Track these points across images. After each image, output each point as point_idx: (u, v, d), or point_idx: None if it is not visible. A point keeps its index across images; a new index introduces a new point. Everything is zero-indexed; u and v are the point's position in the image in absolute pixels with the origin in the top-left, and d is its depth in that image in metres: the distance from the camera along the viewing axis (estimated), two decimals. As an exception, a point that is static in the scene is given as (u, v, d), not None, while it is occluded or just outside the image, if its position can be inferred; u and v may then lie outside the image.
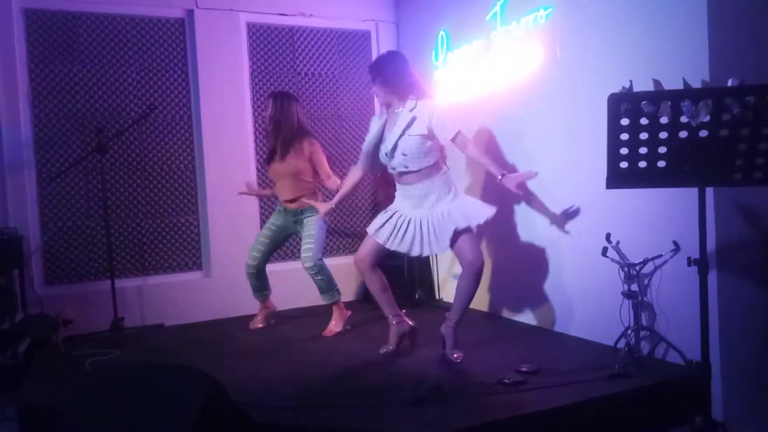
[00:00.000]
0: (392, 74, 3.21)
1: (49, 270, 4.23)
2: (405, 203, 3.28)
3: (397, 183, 3.32)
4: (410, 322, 3.40)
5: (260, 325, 4.15)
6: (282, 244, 4.22)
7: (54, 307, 4.03)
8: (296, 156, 3.87)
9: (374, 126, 3.35)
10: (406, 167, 3.19)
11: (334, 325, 3.91)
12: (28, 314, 3.87)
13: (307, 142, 3.89)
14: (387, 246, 3.26)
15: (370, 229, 3.33)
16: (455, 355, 3.16)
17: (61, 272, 4.25)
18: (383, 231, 3.27)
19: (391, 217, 3.29)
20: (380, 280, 3.35)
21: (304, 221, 3.92)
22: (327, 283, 3.89)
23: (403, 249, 3.23)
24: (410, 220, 3.23)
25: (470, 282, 3.15)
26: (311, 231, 3.86)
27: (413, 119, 3.15)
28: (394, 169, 3.25)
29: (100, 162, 3.99)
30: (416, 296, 4.64)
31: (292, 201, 3.94)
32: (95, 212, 4.29)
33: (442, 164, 3.25)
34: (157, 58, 4.47)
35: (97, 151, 3.92)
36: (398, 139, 3.16)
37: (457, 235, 3.12)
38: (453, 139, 3.16)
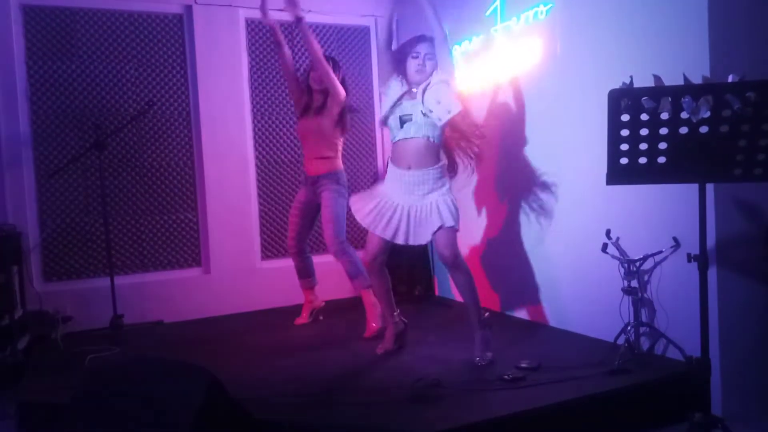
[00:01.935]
0: (446, 56, 3.16)
1: (48, 267, 4.22)
2: (394, 187, 3.15)
3: (391, 163, 3.19)
4: (404, 321, 3.41)
5: (305, 321, 4.07)
6: (317, 218, 4.05)
7: (53, 304, 4.03)
8: (319, 114, 3.83)
9: (396, 90, 3.16)
10: (426, 135, 3.07)
11: (374, 323, 3.66)
12: (27, 311, 3.87)
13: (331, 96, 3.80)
14: (375, 231, 3.14)
15: (354, 208, 3.22)
16: (486, 355, 3.07)
17: (60, 269, 4.24)
18: (368, 212, 3.17)
19: (375, 198, 3.19)
20: (388, 281, 3.35)
21: (322, 195, 3.84)
22: (353, 267, 3.76)
23: (387, 235, 3.12)
24: (397, 206, 3.12)
25: (459, 276, 3.13)
26: (328, 214, 3.79)
27: (443, 86, 3.08)
28: (415, 133, 3.08)
29: (99, 159, 3.98)
30: (416, 292, 4.64)
31: (311, 164, 3.88)
32: (94, 209, 4.28)
33: (442, 156, 3.19)
34: (156, 54, 4.46)
35: (96, 148, 3.91)
36: (424, 102, 3.06)
37: (438, 229, 3.07)
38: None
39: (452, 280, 3.23)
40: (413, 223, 3.10)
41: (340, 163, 3.93)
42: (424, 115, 3.07)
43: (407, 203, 3.11)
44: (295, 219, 4.02)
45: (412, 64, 3.13)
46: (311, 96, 3.93)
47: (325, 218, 3.83)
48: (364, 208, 3.20)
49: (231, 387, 2.24)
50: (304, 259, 4.07)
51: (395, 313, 3.38)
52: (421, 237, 3.12)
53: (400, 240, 3.13)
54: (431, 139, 3.09)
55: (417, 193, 3.10)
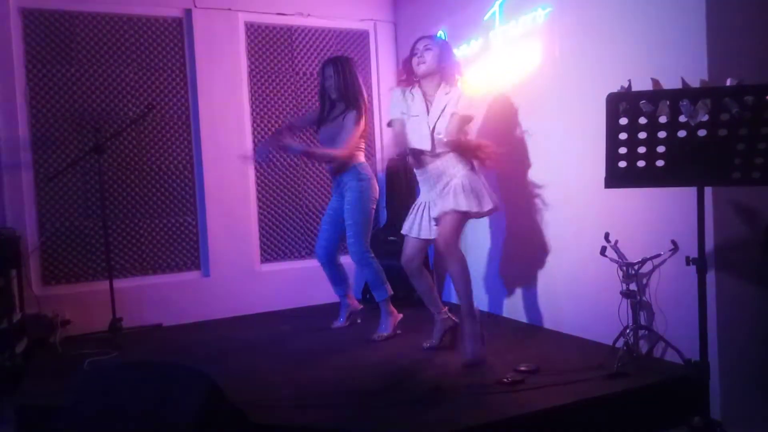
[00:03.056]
0: (447, 52, 3.31)
1: (47, 270, 4.21)
2: (424, 189, 3.33)
3: (416, 170, 3.34)
4: (455, 319, 3.39)
5: (343, 324, 3.96)
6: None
7: (52, 308, 4.02)
8: (338, 122, 3.73)
9: (403, 101, 3.33)
10: (437, 147, 3.21)
11: (383, 329, 3.69)
12: (26, 314, 3.86)
13: (351, 114, 3.67)
14: (411, 234, 3.29)
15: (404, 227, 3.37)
16: (466, 355, 3.08)
17: (58, 272, 4.24)
18: (407, 221, 3.34)
19: (414, 207, 3.35)
20: (428, 280, 3.39)
21: (346, 195, 3.71)
22: (374, 277, 3.73)
23: (424, 234, 3.27)
24: (428, 203, 3.28)
25: (449, 265, 3.15)
26: (349, 221, 3.68)
27: (447, 103, 3.22)
28: (425, 145, 3.22)
29: (98, 162, 3.98)
30: (416, 296, 4.62)
31: (334, 168, 3.77)
32: (93, 212, 4.28)
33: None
34: (155, 58, 4.46)
35: (95, 151, 3.91)
36: (438, 120, 3.21)
37: (441, 216, 3.16)
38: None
39: (448, 271, 3.27)
40: (430, 211, 3.24)
41: (360, 155, 3.77)
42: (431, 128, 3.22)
43: (432, 199, 3.25)
44: (324, 227, 3.91)
45: (414, 62, 3.29)
46: (328, 104, 3.84)
47: (346, 222, 3.73)
48: (407, 220, 3.36)
49: (230, 390, 2.24)
50: (332, 267, 3.91)
51: (443, 310, 3.41)
52: (429, 223, 3.25)
53: (425, 235, 3.24)
54: (440, 145, 3.21)
55: (438, 186, 3.22)
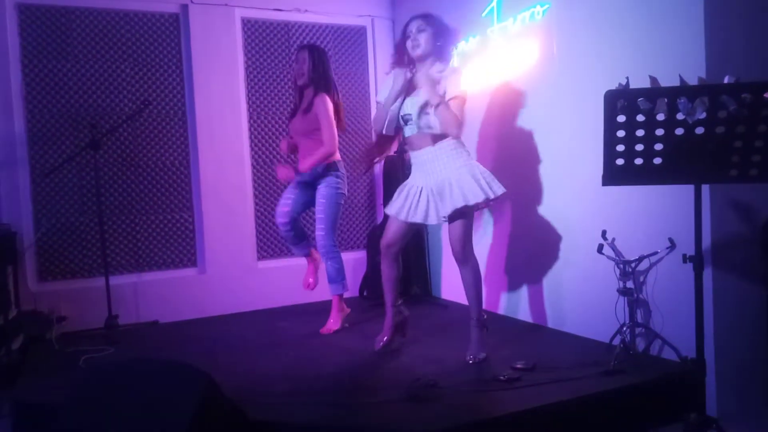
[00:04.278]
0: (441, 30, 3.14)
1: (43, 266, 4.20)
2: (416, 173, 3.17)
3: (410, 152, 3.21)
4: (405, 313, 3.37)
5: (311, 281, 3.99)
6: (311, 203, 3.86)
7: (48, 304, 4.02)
8: (309, 112, 3.70)
9: (399, 81, 3.13)
10: (431, 128, 3.06)
11: (333, 323, 3.85)
12: (22, 311, 3.86)
13: (320, 99, 3.65)
14: (400, 217, 3.14)
15: (387, 208, 3.25)
16: (480, 355, 3.07)
17: (55, 269, 4.23)
18: (395, 203, 3.19)
19: (403, 189, 3.20)
20: (398, 271, 3.30)
21: (320, 188, 3.72)
22: (336, 272, 3.80)
23: (418, 219, 3.09)
24: (422, 188, 3.11)
25: (466, 274, 3.13)
26: (321, 214, 3.72)
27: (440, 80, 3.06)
28: (419, 128, 3.09)
29: (94, 158, 3.97)
30: (412, 292, 4.64)
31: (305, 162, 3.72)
32: (89, 208, 4.27)
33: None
34: (152, 54, 4.45)
35: (91, 147, 3.90)
36: (426, 102, 3.04)
37: (454, 215, 3.03)
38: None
39: (461, 274, 3.20)
40: (434, 201, 3.06)
41: (336, 154, 3.78)
42: (422, 113, 3.06)
43: (428, 184, 3.08)
44: (290, 195, 3.84)
45: (408, 45, 3.14)
46: (297, 95, 3.84)
47: (318, 215, 3.76)
48: (394, 202, 3.20)
49: (227, 387, 2.24)
50: (296, 225, 3.87)
51: (398, 303, 3.34)
52: (438, 217, 3.05)
53: (432, 220, 3.07)
54: (434, 129, 3.06)
55: (435, 171, 3.07)
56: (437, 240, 4.76)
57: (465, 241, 3.08)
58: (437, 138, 3.06)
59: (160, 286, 4.43)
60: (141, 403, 2.04)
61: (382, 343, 3.33)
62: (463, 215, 3.04)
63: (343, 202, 3.84)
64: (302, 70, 3.72)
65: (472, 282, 3.13)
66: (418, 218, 3.10)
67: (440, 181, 3.04)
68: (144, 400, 2.05)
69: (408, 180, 3.24)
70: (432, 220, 3.09)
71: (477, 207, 3.03)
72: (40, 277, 4.19)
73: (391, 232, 3.22)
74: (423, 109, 3.05)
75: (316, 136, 3.70)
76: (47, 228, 4.20)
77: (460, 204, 2.98)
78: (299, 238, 3.92)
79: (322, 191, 3.73)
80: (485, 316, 3.18)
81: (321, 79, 3.71)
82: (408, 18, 3.23)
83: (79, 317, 4.07)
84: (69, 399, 2.21)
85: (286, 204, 3.84)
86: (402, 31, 3.21)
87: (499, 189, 3.00)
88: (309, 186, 3.81)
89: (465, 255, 3.09)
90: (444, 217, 3.04)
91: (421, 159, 3.11)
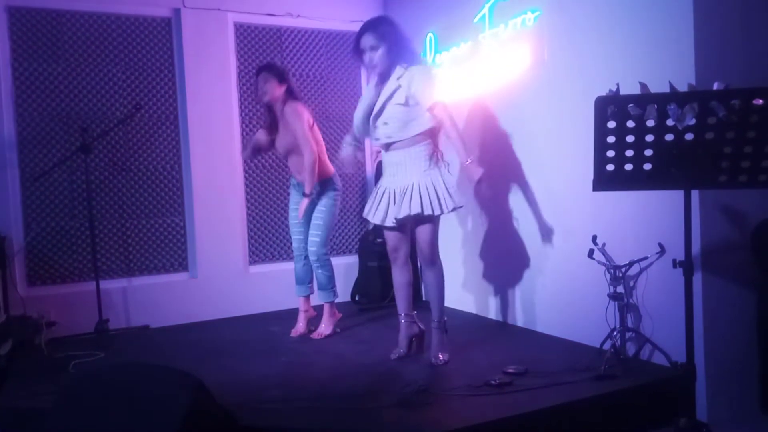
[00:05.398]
0: (396, 42, 3.08)
1: (33, 271, 4.17)
2: (386, 174, 3.19)
3: (382, 152, 3.23)
4: (420, 326, 3.33)
5: (302, 332, 3.92)
6: None
7: (37, 309, 3.98)
8: (285, 127, 3.73)
9: (369, 93, 3.21)
10: (389, 137, 3.09)
11: (324, 328, 3.85)
12: (11, 316, 3.83)
13: (289, 108, 3.68)
14: (368, 218, 3.20)
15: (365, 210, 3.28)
16: (440, 356, 3.13)
17: (44, 273, 4.20)
18: (367, 205, 3.26)
19: (379, 193, 3.21)
20: (409, 275, 3.28)
21: (320, 200, 3.77)
22: (327, 280, 3.84)
23: (377, 220, 3.14)
24: (386, 189, 3.15)
25: (431, 276, 3.17)
26: (319, 221, 3.77)
27: (398, 87, 3.05)
28: (378, 140, 3.18)
29: (85, 162, 3.95)
30: (426, 299, 4.62)
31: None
32: (80, 212, 4.24)
33: (428, 137, 3.07)
34: (144, 58, 4.44)
35: (82, 151, 3.89)
36: (382, 108, 3.08)
37: (418, 220, 3.07)
38: (430, 110, 3.01)
39: (423, 276, 3.23)
40: (395, 203, 3.09)
41: (331, 166, 3.85)
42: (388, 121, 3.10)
43: (393, 186, 3.12)
44: (298, 228, 3.89)
45: (365, 61, 3.14)
46: (269, 116, 3.84)
47: (315, 222, 3.79)
48: (367, 204, 3.28)
49: (218, 392, 2.23)
50: (308, 265, 3.92)
51: (413, 314, 3.30)
52: (391, 218, 3.09)
53: (389, 222, 3.10)
54: (407, 132, 3.07)
55: (400, 174, 3.10)
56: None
57: (432, 244, 3.13)
58: (410, 142, 3.08)
59: (151, 290, 4.40)
60: (131, 409, 2.03)
61: (397, 355, 3.28)
62: (430, 219, 3.09)
63: (337, 213, 3.90)
64: (264, 89, 3.71)
65: (436, 284, 3.18)
66: (377, 219, 3.16)
67: (404, 186, 3.07)
68: (134, 405, 2.04)
69: (381, 180, 3.28)
70: (389, 222, 3.12)
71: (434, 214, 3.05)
72: (30, 281, 4.16)
73: (390, 236, 3.25)
74: (396, 109, 3.06)
75: (296, 150, 3.74)
76: (37, 232, 4.17)
77: (414, 212, 3.01)
78: (307, 274, 3.95)
79: (323, 200, 3.79)
80: (446, 319, 3.22)
81: (287, 91, 3.74)
82: (397, 23, 3.20)
83: (69, 322, 4.04)
84: (57, 404, 2.19)
85: (298, 237, 3.91)
86: (355, 42, 3.15)
87: (457, 204, 3.03)
88: (310, 214, 3.82)
89: (432, 258, 3.15)
90: (395, 219, 3.08)
91: (392, 160, 3.15)
